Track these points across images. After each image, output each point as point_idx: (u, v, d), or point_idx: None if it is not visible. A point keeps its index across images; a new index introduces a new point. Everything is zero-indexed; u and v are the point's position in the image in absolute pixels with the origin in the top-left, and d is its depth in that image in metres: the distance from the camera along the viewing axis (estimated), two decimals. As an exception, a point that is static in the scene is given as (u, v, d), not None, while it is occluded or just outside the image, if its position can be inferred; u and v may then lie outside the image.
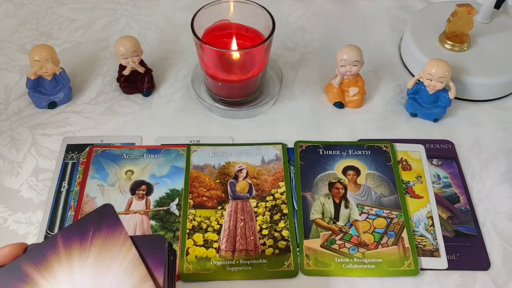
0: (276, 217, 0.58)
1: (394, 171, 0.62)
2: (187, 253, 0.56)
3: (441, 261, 0.55)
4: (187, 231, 0.57)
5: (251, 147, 0.65)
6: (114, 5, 0.85)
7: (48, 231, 0.57)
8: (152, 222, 0.58)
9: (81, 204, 0.59)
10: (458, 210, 0.60)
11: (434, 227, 0.58)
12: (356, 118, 0.69)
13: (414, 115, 0.69)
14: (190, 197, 0.60)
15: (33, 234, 0.57)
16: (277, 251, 0.56)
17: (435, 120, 0.68)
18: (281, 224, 0.58)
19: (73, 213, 0.58)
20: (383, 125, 0.68)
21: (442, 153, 0.65)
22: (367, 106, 0.71)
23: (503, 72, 0.69)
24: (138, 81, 0.70)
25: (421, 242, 0.57)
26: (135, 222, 0.58)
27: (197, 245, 0.56)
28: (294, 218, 0.58)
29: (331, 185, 0.61)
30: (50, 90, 0.68)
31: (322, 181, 0.62)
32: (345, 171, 0.63)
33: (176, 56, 0.77)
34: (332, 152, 0.64)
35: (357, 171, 0.62)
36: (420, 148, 0.65)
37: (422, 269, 0.55)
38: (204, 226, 0.58)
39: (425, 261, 0.55)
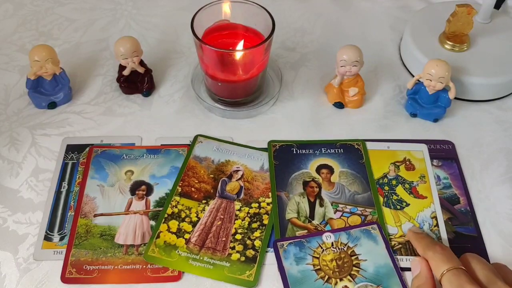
0: (254, 225, 0.58)
1: (366, 169, 0.63)
2: (158, 236, 0.56)
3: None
4: (165, 215, 0.58)
5: (254, 151, 0.65)
6: (114, 5, 0.85)
7: (48, 231, 0.57)
8: (152, 223, 0.58)
9: (81, 204, 0.59)
10: (458, 211, 0.60)
11: (438, 227, 0.58)
12: (356, 118, 0.69)
13: (414, 115, 0.69)
14: (180, 184, 0.60)
15: (33, 234, 0.57)
16: (243, 258, 0.55)
17: (435, 121, 0.68)
18: (257, 233, 0.57)
19: (73, 213, 0.59)
20: (383, 125, 0.68)
21: (443, 153, 0.65)
22: (367, 106, 0.71)
23: (503, 72, 0.69)
24: (138, 81, 0.70)
25: None
26: (135, 223, 0.58)
27: (169, 231, 0.57)
28: (272, 232, 0.58)
29: (305, 183, 0.61)
30: (50, 90, 0.68)
31: (296, 180, 0.62)
32: (318, 169, 0.63)
33: (176, 56, 0.77)
34: (305, 151, 0.64)
35: (331, 170, 0.63)
36: (423, 148, 0.65)
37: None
38: (183, 215, 0.58)
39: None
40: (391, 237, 0.57)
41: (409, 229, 0.57)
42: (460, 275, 0.48)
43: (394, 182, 0.62)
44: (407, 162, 0.64)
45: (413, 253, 0.56)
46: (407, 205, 0.60)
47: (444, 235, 0.57)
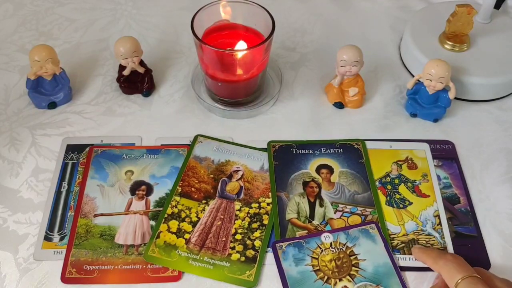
0: (255, 225, 0.58)
1: (366, 168, 0.63)
2: (158, 237, 0.56)
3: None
4: (165, 215, 0.58)
5: (254, 151, 0.65)
6: (114, 5, 0.85)
7: (48, 231, 0.57)
8: (152, 223, 0.58)
9: (81, 204, 0.59)
10: (458, 211, 0.60)
11: (441, 225, 0.58)
12: (356, 118, 0.69)
13: (414, 115, 0.69)
14: (180, 184, 0.61)
15: (33, 234, 0.57)
16: (243, 258, 0.55)
17: (435, 121, 0.68)
18: (257, 233, 0.57)
19: (73, 213, 0.58)
20: (383, 125, 0.68)
21: (443, 153, 0.65)
22: (367, 106, 0.71)
23: (503, 72, 0.69)
24: (138, 81, 0.70)
25: (429, 241, 0.57)
26: (135, 223, 0.58)
27: (169, 231, 0.57)
28: (272, 232, 0.58)
29: (305, 184, 0.61)
30: (50, 90, 0.68)
31: (296, 180, 0.62)
32: (318, 169, 0.63)
33: (176, 56, 0.77)
34: (305, 151, 0.64)
35: (330, 170, 0.63)
36: (425, 147, 0.65)
37: (430, 269, 0.55)
38: (183, 215, 0.58)
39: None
40: (393, 236, 0.57)
41: (413, 247, 0.56)
42: (477, 283, 0.46)
43: (396, 181, 0.62)
44: (410, 161, 0.64)
45: (415, 252, 0.56)
46: (410, 203, 0.60)
47: (447, 233, 0.57)
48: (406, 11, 0.85)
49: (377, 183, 0.62)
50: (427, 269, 0.55)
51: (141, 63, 0.69)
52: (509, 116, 0.70)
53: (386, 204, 0.60)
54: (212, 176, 0.62)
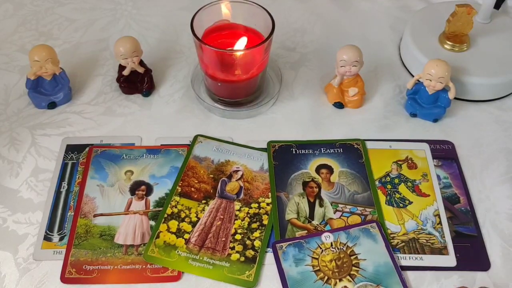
0: (254, 225, 0.58)
1: (366, 168, 0.63)
2: (157, 236, 0.56)
3: (450, 258, 0.55)
4: (165, 215, 0.58)
5: (254, 151, 0.65)
6: (114, 5, 0.85)
7: (47, 231, 0.57)
8: (152, 223, 0.58)
9: (81, 204, 0.59)
10: (458, 210, 0.60)
11: (441, 225, 0.58)
12: (355, 118, 0.69)
13: (414, 115, 0.69)
14: (180, 184, 0.61)
15: (33, 234, 0.57)
16: (242, 258, 0.55)
17: (435, 121, 0.68)
18: (257, 233, 0.57)
19: (73, 213, 0.58)
20: (383, 125, 0.68)
21: (443, 153, 0.65)
22: (366, 106, 0.71)
23: (503, 72, 0.69)
24: (137, 81, 0.70)
25: (429, 240, 0.57)
26: (135, 223, 0.58)
27: (169, 231, 0.57)
28: (272, 232, 0.58)
29: (305, 184, 0.61)
30: (50, 91, 0.68)
31: (296, 180, 0.62)
32: (318, 169, 0.63)
33: (176, 56, 0.77)
34: (305, 151, 0.64)
35: (330, 169, 0.63)
36: (425, 147, 0.65)
37: (430, 268, 0.55)
38: (183, 215, 0.58)
39: (434, 259, 0.55)
40: (394, 235, 0.57)
41: None
42: None
43: (396, 180, 0.62)
44: (409, 161, 0.64)
45: (416, 251, 0.56)
46: (410, 203, 0.60)
47: (447, 232, 0.57)
48: (406, 11, 0.85)
49: (377, 182, 0.62)
50: (427, 269, 0.55)
51: (141, 63, 0.69)
52: (509, 116, 0.70)
53: (386, 203, 0.60)
54: (212, 176, 0.62)
